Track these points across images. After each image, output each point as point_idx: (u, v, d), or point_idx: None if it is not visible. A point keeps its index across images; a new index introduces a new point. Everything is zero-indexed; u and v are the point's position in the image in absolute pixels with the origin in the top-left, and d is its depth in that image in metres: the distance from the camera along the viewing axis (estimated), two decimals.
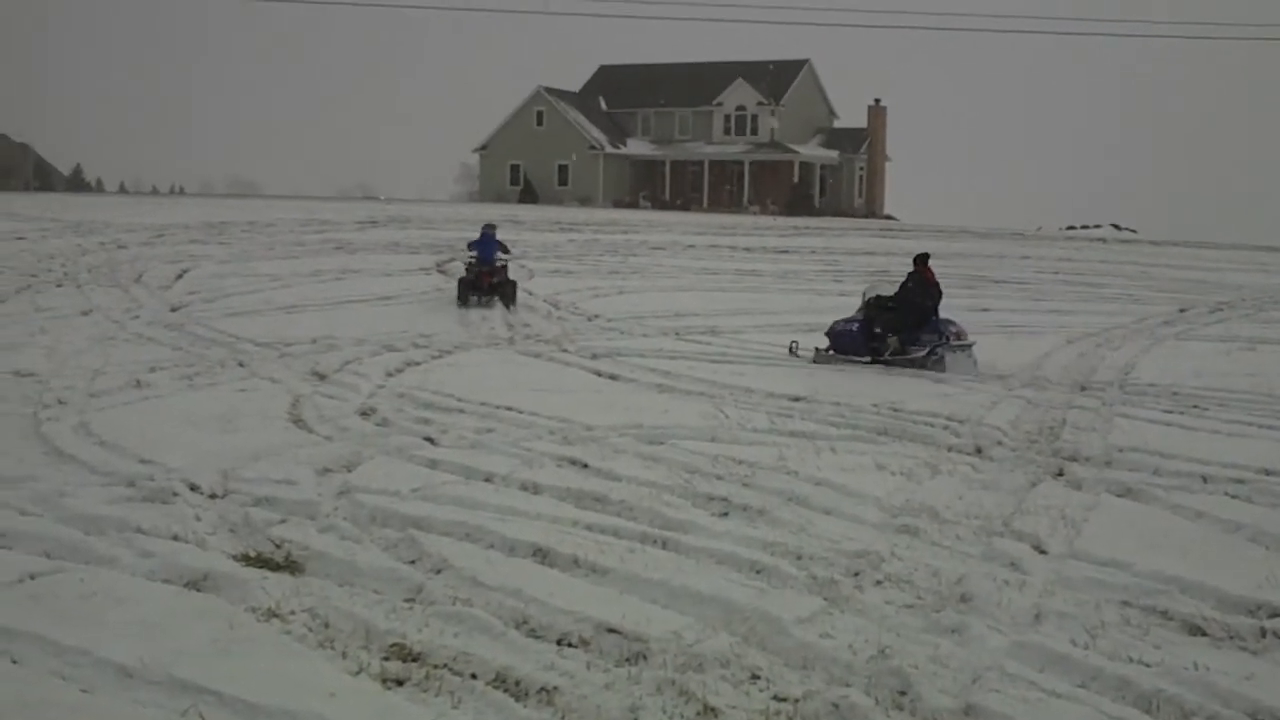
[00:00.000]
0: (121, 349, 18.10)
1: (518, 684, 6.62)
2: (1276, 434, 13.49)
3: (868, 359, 19.52)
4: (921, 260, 20.18)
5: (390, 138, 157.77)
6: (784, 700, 6.55)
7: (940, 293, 19.81)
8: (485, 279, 26.26)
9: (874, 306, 19.97)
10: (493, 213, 52.09)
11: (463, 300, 26.02)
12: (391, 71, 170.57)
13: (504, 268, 26.94)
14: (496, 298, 26.18)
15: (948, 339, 19.11)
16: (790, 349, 20.25)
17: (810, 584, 8.28)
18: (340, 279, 29.16)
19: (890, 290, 20.25)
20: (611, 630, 7.35)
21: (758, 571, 8.51)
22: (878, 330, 19.61)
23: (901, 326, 19.50)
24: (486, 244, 26.95)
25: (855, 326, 19.92)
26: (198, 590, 7.93)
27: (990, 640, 7.29)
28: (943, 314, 19.58)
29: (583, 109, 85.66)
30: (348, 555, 8.66)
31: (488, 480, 10.91)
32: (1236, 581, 8.37)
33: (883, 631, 7.45)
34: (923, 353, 19.18)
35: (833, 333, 20.12)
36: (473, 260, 26.88)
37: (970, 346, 19.07)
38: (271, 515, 9.64)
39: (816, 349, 19.98)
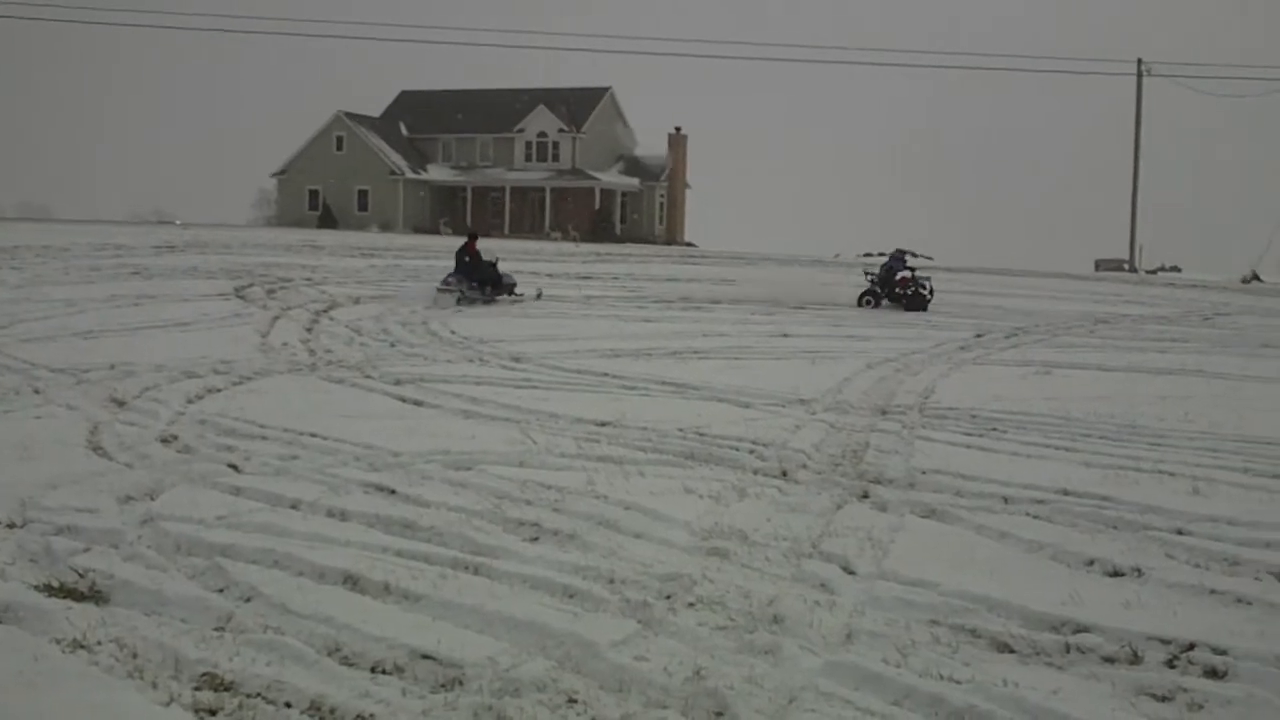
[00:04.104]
0: None
1: (333, 712, 6.55)
2: (1073, 455, 13.82)
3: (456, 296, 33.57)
4: (472, 236, 35.64)
5: (187, 162, 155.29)
6: None
7: (478, 259, 34.35)
8: (904, 284, 35.82)
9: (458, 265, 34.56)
10: (291, 237, 51.50)
11: (862, 304, 36.13)
12: (187, 94, 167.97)
13: (917, 281, 36.11)
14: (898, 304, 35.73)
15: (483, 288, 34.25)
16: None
17: (624, 607, 8.31)
18: (137, 304, 28.58)
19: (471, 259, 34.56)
20: (426, 657, 7.30)
21: (571, 596, 8.51)
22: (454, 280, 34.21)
23: (469, 278, 34.13)
24: (896, 263, 36.32)
25: (453, 279, 34.18)
26: None
27: (804, 660, 7.37)
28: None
29: (383, 134, 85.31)
30: (154, 584, 8.48)
31: (294, 507, 10.76)
32: (1041, 599, 8.57)
33: (697, 653, 7.50)
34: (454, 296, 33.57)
35: (443, 281, 34.52)
36: (873, 275, 36.67)
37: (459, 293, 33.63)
38: (74, 544, 9.39)
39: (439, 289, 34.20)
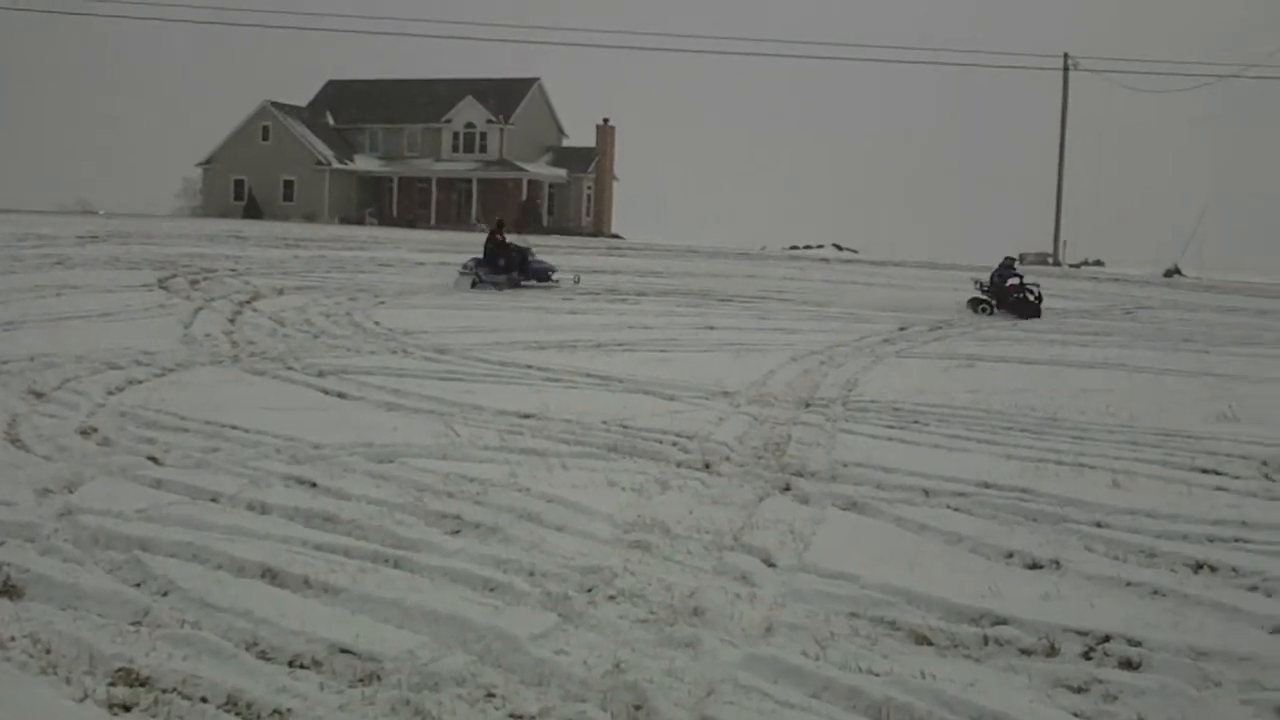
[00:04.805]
0: None
1: (249, 707, 6.51)
2: (995, 448, 13.92)
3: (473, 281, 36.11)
4: (499, 225, 38.09)
5: (110, 151, 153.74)
6: (520, 718, 6.55)
7: (506, 247, 36.82)
8: (1013, 290, 34.72)
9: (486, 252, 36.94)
10: (216, 227, 51.16)
11: (974, 309, 35.07)
12: (112, 83, 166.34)
13: (1025, 288, 34.99)
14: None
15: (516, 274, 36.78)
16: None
17: (544, 600, 8.30)
18: (59, 295, 28.30)
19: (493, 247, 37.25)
20: (345, 650, 7.27)
21: (491, 589, 8.49)
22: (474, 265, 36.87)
23: (492, 265, 36.59)
24: (1006, 270, 35.48)
25: (472, 263, 36.85)
26: None
27: (723, 653, 7.39)
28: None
29: (310, 124, 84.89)
30: (70, 578, 8.39)
31: (214, 500, 10.68)
32: (960, 591, 8.63)
33: (617, 646, 7.50)
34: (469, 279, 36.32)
35: (463, 265, 37.42)
36: (983, 283, 35.99)
37: (475, 277, 36.36)
38: None
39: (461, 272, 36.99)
